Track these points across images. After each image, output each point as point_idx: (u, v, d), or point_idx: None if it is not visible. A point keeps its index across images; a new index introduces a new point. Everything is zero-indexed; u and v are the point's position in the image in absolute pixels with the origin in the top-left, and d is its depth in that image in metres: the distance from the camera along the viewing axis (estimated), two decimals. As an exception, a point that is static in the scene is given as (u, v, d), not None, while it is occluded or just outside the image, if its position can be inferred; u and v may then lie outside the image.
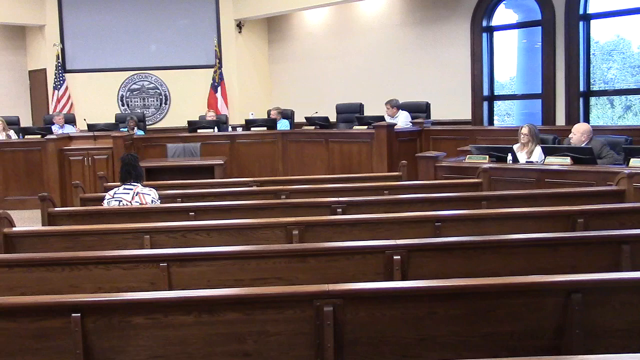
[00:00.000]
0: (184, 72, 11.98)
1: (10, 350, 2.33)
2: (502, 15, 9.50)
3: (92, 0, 11.78)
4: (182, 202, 5.03)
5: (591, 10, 8.39)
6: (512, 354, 2.37)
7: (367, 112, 9.73)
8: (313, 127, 9.20)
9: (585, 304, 2.35)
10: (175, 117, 11.71)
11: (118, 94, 12.06)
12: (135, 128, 9.83)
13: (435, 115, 9.16)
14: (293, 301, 2.33)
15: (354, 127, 8.76)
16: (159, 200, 4.81)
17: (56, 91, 11.54)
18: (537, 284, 2.42)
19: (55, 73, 11.54)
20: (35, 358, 2.34)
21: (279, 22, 12.32)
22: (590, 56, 8.50)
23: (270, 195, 5.25)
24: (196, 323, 2.33)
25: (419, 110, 9.03)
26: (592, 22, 8.42)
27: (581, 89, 8.44)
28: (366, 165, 8.03)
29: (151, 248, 3.63)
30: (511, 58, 9.85)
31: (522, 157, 5.99)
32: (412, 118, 8.70)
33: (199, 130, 9.44)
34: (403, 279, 3.00)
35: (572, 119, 8.26)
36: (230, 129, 10.21)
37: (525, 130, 6.11)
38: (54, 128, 9.67)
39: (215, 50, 11.80)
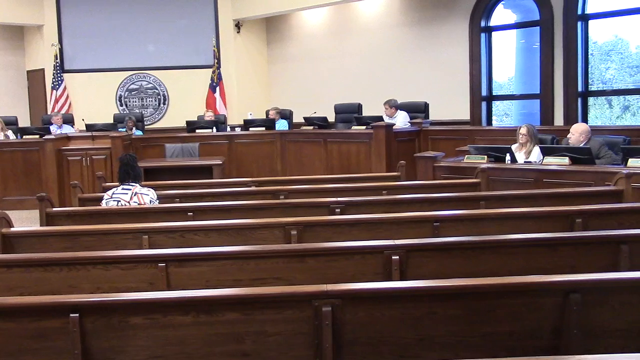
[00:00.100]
0: (182, 72, 11.98)
1: (9, 350, 2.33)
2: (501, 15, 9.51)
3: (91, 0, 11.77)
4: (180, 202, 5.03)
5: (589, 10, 8.40)
6: (511, 354, 2.37)
7: (366, 112, 9.73)
8: (311, 127, 9.20)
9: (583, 304, 2.35)
10: (174, 117, 11.71)
11: (116, 94, 12.05)
12: (134, 128, 9.82)
13: (433, 115, 9.16)
14: (292, 301, 2.33)
15: (353, 127, 8.76)
16: (158, 201, 4.81)
17: (54, 91, 11.53)
18: (535, 284, 2.43)
19: (54, 73, 11.53)
20: (34, 358, 2.33)
21: (278, 22, 12.32)
22: (589, 56, 8.51)
23: (268, 195, 5.24)
24: (195, 323, 2.33)
25: (418, 110, 9.04)
26: (591, 22, 8.43)
27: (579, 89, 8.45)
28: (365, 166, 8.03)
29: (150, 248, 3.63)
30: (509, 58, 9.85)
31: (520, 157, 6.00)
32: (411, 118, 8.70)
33: (197, 131, 9.44)
34: (402, 279, 3.00)
35: (570, 119, 8.26)
36: (228, 129, 10.20)
37: (523, 130, 6.12)
38: (52, 128, 9.66)
39: (214, 50, 11.80)
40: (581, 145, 5.79)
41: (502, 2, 9.35)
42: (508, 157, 5.86)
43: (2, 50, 12.03)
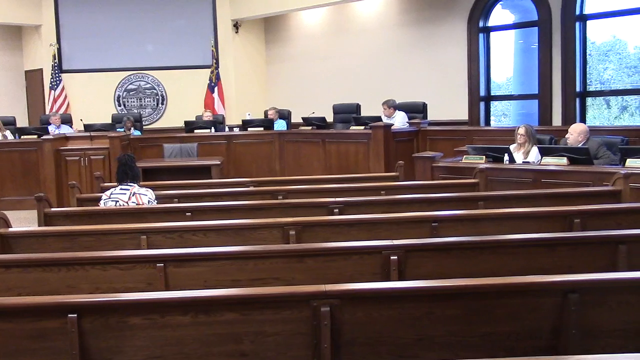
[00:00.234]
0: (180, 72, 11.97)
1: (7, 350, 2.32)
2: (499, 15, 9.52)
3: (89, 0, 11.76)
4: (179, 202, 5.02)
5: (587, 10, 8.41)
6: (510, 354, 2.37)
7: (364, 112, 9.73)
8: (310, 128, 9.19)
9: (582, 304, 2.35)
10: (172, 118, 11.70)
11: (115, 94, 12.04)
12: (132, 128, 9.81)
13: (432, 115, 9.16)
14: (290, 301, 2.33)
15: (351, 128, 8.76)
16: (156, 201, 4.81)
17: (52, 91, 11.52)
18: (534, 284, 2.43)
19: (52, 73, 11.52)
20: (32, 358, 2.33)
21: (276, 23, 12.32)
22: (587, 57, 8.52)
23: (267, 195, 5.24)
24: (193, 323, 2.32)
25: (416, 110, 9.04)
26: (589, 22, 8.44)
27: (577, 89, 8.46)
28: (363, 166, 8.03)
29: (148, 248, 3.62)
30: (508, 58, 9.87)
31: (518, 157, 6.00)
32: (409, 118, 8.70)
33: (195, 131, 9.43)
34: (400, 279, 3.00)
35: (568, 119, 8.27)
36: (227, 129, 10.19)
37: (521, 130, 6.12)
38: (51, 128, 9.64)
39: (212, 50, 11.80)
40: (579, 145, 5.80)
41: (501, 2, 9.36)
42: (506, 157, 5.86)
43: (0, 50, 12.01)
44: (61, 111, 11.14)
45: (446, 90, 9.69)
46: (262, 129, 9.50)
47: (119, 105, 12.04)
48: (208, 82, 11.81)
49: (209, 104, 11.67)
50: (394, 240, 3.11)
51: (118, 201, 4.66)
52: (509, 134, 6.70)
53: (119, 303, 2.35)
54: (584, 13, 8.40)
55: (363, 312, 2.35)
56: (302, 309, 2.32)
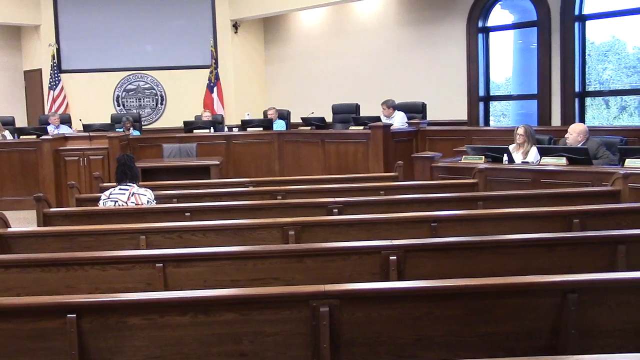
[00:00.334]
0: (179, 72, 11.97)
1: (6, 351, 2.32)
2: (498, 15, 9.52)
3: (88, 0, 11.76)
4: (178, 202, 5.02)
5: (586, 11, 8.42)
6: (509, 354, 2.37)
7: (363, 112, 9.73)
8: (309, 128, 9.19)
9: (581, 304, 2.35)
10: (171, 118, 11.70)
11: (114, 94, 12.04)
12: (131, 128, 9.81)
13: (431, 115, 9.17)
14: (290, 301, 2.33)
15: (350, 128, 8.76)
16: (155, 201, 4.80)
17: (52, 91, 11.51)
18: (533, 284, 2.43)
19: (51, 73, 11.51)
20: (31, 359, 2.33)
21: (275, 23, 12.32)
22: (586, 57, 8.52)
23: (266, 195, 5.24)
24: (192, 323, 2.32)
25: (415, 110, 9.04)
26: (588, 22, 8.45)
27: (577, 89, 8.47)
28: (362, 166, 8.03)
29: (147, 248, 3.62)
30: (507, 58, 9.87)
31: (517, 157, 6.00)
32: (408, 118, 8.70)
33: (195, 131, 9.43)
34: (399, 279, 3.00)
35: (567, 119, 8.28)
36: (226, 129, 10.19)
37: (521, 130, 6.12)
38: (50, 128, 9.64)
39: (211, 50, 11.79)
40: (579, 145, 5.80)
41: (500, 2, 9.36)
42: (505, 157, 5.86)
43: (-1, 50, 12.03)
44: (60, 111, 11.13)
45: (445, 90, 9.69)
46: (261, 129, 9.49)
47: (118, 106, 12.04)
48: (207, 82, 11.80)
49: (208, 104, 11.67)
50: (393, 241, 3.11)
51: (117, 201, 4.65)
52: (508, 134, 6.70)
53: (118, 303, 2.35)
54: (583, 13, 8.41)
55: (362, 312, 2.35)
56: (301, 309, 2.32)
